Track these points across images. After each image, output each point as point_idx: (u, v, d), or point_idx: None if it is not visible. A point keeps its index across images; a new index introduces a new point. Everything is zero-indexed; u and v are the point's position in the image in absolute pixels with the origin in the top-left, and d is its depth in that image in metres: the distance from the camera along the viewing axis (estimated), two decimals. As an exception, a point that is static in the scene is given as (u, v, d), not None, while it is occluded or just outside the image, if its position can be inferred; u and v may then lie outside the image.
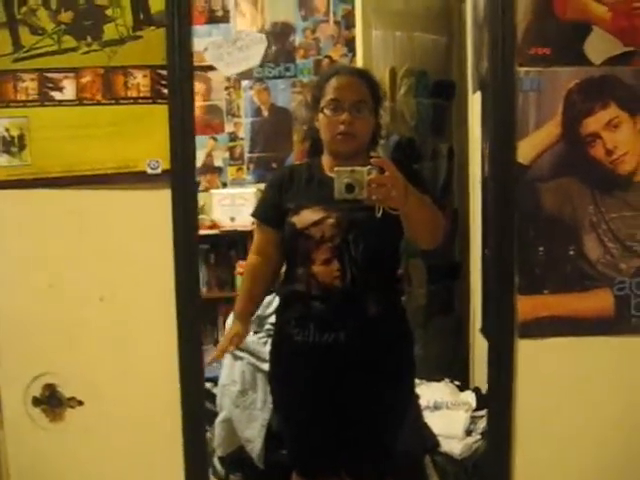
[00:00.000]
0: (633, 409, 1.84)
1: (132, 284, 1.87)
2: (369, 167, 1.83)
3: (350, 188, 1.81)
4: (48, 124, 1.84)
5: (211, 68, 4.33)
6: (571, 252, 1.79)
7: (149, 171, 1.81)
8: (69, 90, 1.82)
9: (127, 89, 1.81)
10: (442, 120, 3.97)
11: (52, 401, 1.90)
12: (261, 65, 4.36)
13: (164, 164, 1.81)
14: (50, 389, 1.90)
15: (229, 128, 4.57)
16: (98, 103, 1.82)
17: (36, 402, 1.90)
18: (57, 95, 1.83)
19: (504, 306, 1.79)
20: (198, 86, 4.40)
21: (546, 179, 1.78)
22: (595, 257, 1.78)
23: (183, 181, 1.79)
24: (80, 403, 1.90)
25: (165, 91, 1.81)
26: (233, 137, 4.57)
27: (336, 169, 1.85)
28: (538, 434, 1.87)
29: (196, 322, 1.88)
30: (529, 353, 1.82)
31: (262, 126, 4.54)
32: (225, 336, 2.44)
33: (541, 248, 1.79)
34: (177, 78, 1.79)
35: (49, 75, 1.82)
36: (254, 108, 4.53)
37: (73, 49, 1.82)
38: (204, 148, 4.49)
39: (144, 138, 1.81)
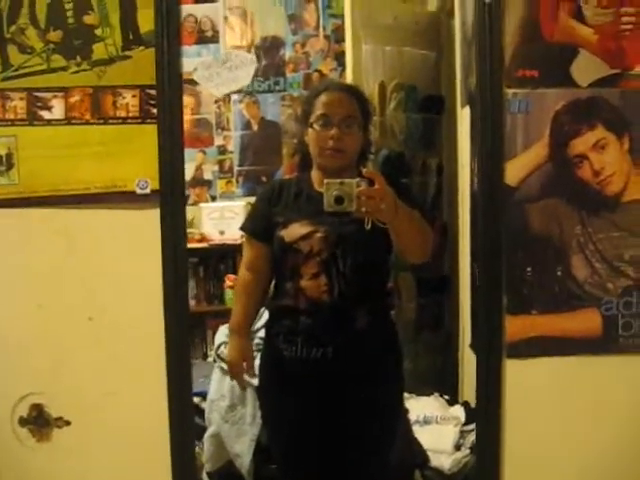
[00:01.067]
0: (620, 427, 1.85)
1: (121, 303, 1.86)
2: (358, 179, 1.83)
3: (339, 200, 1.81)
4: (36, 143, 1.83)
5: (200, 82, 4.35)
6: (559, 272, 1.79)
7: (138, 191, 1.81)
8: (58, 109, 1.82)
9: (116, 109, 1.81)
10: (431, 134, 3.98)
11: (39, 421, 1.89)
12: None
13: (153, 184, 1.81)
14: (37, 409, 1.88)
15: (218, 141, 4.57)
16: (87, 123, 1.82)
17: (23, 422, 1.89)
18: (46, 114, 1.82)
19: (492, 326, 1.79)
20: (188, 100, 4.40)
21: (534, 200, 1.79)
22: (583, 277, 1.79)
23: (172, 201, 1.79)
24: (67, 423, 1.89)
25: (154, 111, 1.81)
26: (222, 150, 4.58)
27: (326, 181, 1.85)
28: (526, 452, 1.87)
29: (185, 340, 1.87)
30: (517, 373, 1.82)
31: (251, 139, 4.54)
32: (233, 362, 2.42)
33: (529, 268, 1.79)
34: (166, 98, 1.79)
35: (38, 94, 1.82)
36: (244, 121, 4.53)
37: (62, 68, 1.82)
38: (193, 161, 4.49)
39: (133, 158, 1.81)
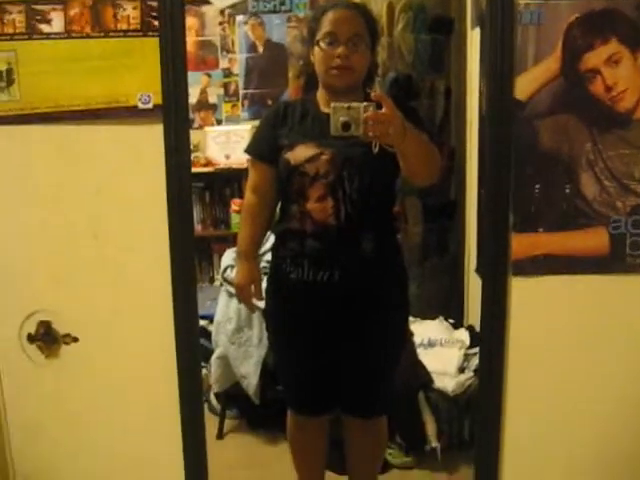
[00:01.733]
0: (627, 347, 1.85)
1: (125, 221, 1.85)
2: (366, 103, 1.80)
3: (346, 125, 1.79)
4: (37, 58, 1.79)
5: (205, 2, 4.25)
6: (567, 190, 1.77)
7: (140, 106, 1.78)
8: (57, 23, 1.77)
9: (117, 21, 1.76)
10: (440, 56, 3.91)
11: (47, 338, 1.90)
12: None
13: (155, 99, 1.77)
14: (44, 326, 1.90)
15: (223, 64, 4.50)
16: (87, 36, 1.77)
17: (31, 339, 1.90)
18: (45, 28, 1.77)
19: (498, 244, 1.78)
20: (191, 21, 4.31)
21: (544, 116, 1.75)
22: (591, 195, 1.77)
23: (175, 115, 1.76)
24: (75, 340, 1.90)
25: (156, 23, 1.76)
26: (227, 73, 4.50)
27: (332, 105, 1.82)
28: (530, 372, 1.88)
29: (190, 258, 1.87)
30: (523, 291, 1.82)
31: (257, 62, 4.46)
32: (241, 286, 2.43)
33: (537, 186, 1.77)
34: (168, 9, 1.73)
35: (36, 7, 1.76)
36: (249, 44, 4.45)
37: (61, -21, 1.77)
38: (198, 84, 4.43)
39: (135, 72, 1.77)
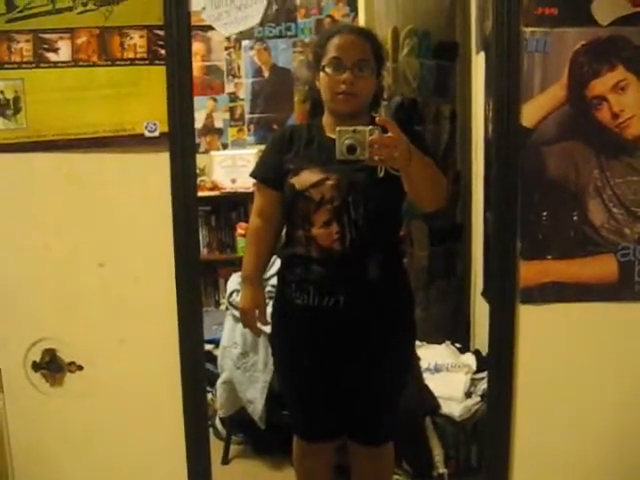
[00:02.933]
0: (635, 374, 1.83)
1: (131, 249, 1.85)
2: (371, 127, 1.79)
3: (352, 148, 1.78)
4: (44, 86, 1.80)
5: (211, 28, 4.24)
6: (575, 217, 1.76)
7: (147, 134, 1.78)
8: (64, 51, 1.78)
9: (123, 50, 1.77)
10: (445, 81, 3.92)
11: (52, 366, 1.90)
12: (262, 24, 4.31)
13: (162, 127, 1.78)
14: (50, 354, 1.89)
15: (229, 89, 4.52)
16: (94, 64, 1.78)
17: (36, 367, 1.90)
18: (52, 56, 1.79)
19: (506, 271, 1.77)
20: (198, 46, 4.34)
21: (551, 143, 1.75)
22: (599, 222, 1.76)
23: (181, 144, 1.76)
24: (80, 368, 1.90)
25: (162, 52, 1.77)
26: (233, 98, 4.52)
27: (338, 128, 1.82)
28: (538, 400, 1.87)
29: (196, 285, 1.86)
30: (531, 318, 1.80)
31: (263, 86, 4.48)
32: (246, 310, 2.42)
33: (545, 213, 1.76)
34: (174, 38, 1.75)
35: (44, 36, 1.78)
36: (255, 68, 4.47)
37: (68, 9, 1.77)
38: (204, 109, 4.45)
39: (141, 100, 1.78)
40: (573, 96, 1.74)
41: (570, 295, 1.79)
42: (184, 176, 1.76)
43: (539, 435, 1.89)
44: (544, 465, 1.90)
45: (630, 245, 1.76)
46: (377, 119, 1.89)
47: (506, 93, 1.72)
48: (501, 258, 1.77)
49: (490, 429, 1.89)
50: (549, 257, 1.77)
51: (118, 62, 1.78)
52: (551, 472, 1.90)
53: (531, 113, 1.74)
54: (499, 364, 1.83)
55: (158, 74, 1.77)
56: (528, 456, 1.89)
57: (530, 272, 1.78)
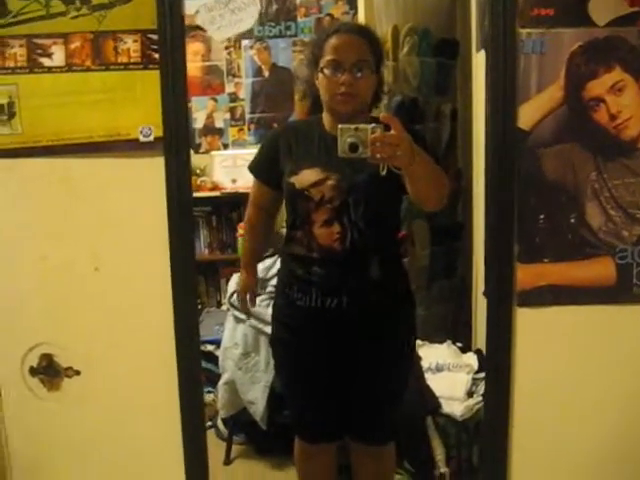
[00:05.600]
0: (632, 377, 1.83)
1: (127, 253, 1.85)
2: (374, 125, 1.77)
3: (354, 147, 1.75)
4: (38, 91, 1.79)
5: (211, 27, 4.26)
6: (572, 220, 1.75)
7: (141, 139, 1.77)
8: (58, 56, 1.78)
9: (117, 54, 1.77)
10: (446, 79, 3.90)
11: (49, 371, 1.90)
12: (261, 24, 4.30)
13: (156, 131, 1.77)
14: (47, 359, 1.89)
15: (229, 89, 4.50)
16: (88, 69, 1.78)
17: (33, 372, 1.90)
18: (46, 61, 1.78)
19: (503, 274, 1.76)
20: (198, 46, 4.33)
21: (548, 145, 1.73)
22: (597, 225, 1.74)
23: (176, 148, 1.75)
24: (77, 373, 1.90)
25: (156, 56, 1.76)
26: (234, 98, 4.51)
27: (340, 126, 1.78)
28: (536, 401, 1.86)
29: (192, 289, 1.86)
30: (528, 322, 1.80)
31: (263, 86, 4.47)
32: (239, 292, 2.51)
33: (542, 216, 1.75)
34: (168, 42, 1.74)
35: (37, 41, 1.77)
36: (255, 68, 4.45)
37: (61, 13, 1.77)
38: (204, 109, 4.44)
39: (136, 105, 1.77)
40: (570, 97, 1.72)
41: (567, 298, 1.77)
42: (179, 180, 1.76)
43: (536, 436, 1.88)
44: (542, 465, 1.90)
45: (628, 247, 1.75)
46: (381, 116, 1.87)
47: (502, 95, 1.71)
48: (498, 261, 1.76)
49: (488, 430, 1.89)
50: (546, 260, 1.76)
51: (112, 67, 1.78)
52: (549, 472, 1.89)
53: (528, 115, 1.73)
54: (497, 367, 1.83)
55: (152, 78, 1.77)
56: (526, 457, 1.89)
57: (527, 275, 1.77)
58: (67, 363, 1.90)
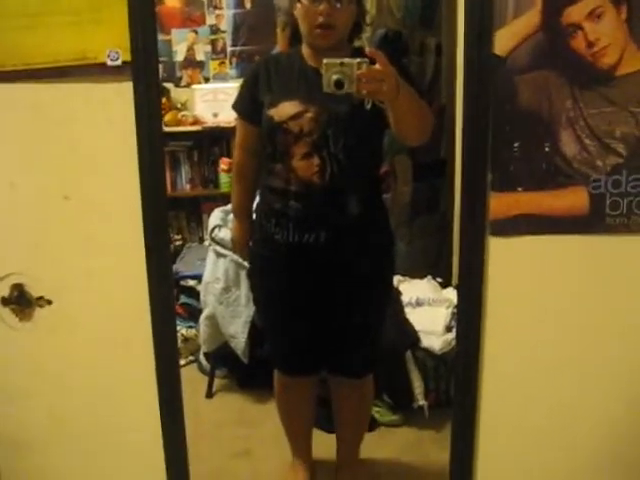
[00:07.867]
0: (605, 307, 1.83)
1: (96, 180, 1.81)
2: (359, 60, 1.74)
3: (339, 83, 1.72)
4: (2, 12, 1.73)
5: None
6: (547, 149, 1.72)
7: (109, 63, 1.72)
8: (24, -24, 1.71)
9: (84, -26, 1.71)
10: (430, 13, 3.83)
11: (21, 300, 1.89)
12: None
13: (124, 55, 1.72)
14: (18, 289, 1.88)
15: (210, 20, 4.42)
16: (55, -11, 1.72)
17: (4, 302, 1.89)
18: (11, -19, 1.72)
19: (476, 203, 1.74)
20: (178, -24, 4.24)
21: (523, 72, 1.69)
22: (571, 154, 1.72)
23: (145, 72, 1.71)
24: (49, 302, 1.89)
25: (124, -24, 1.70)
26: (215, 30, 4.43)
27: (325, 61, 1.75)
28: (508, 331, 1.86)
29: (163, 219, 1.84)
30: (501, 251, 1.79)
31: (245, 18, 4.39)
32: (236, 242, 2.46)
33: (516, 144, 1.72)
34: (136, -38, 1.68)
35: (2, -41, 1.71)
36: (236, -1, 4.37)
37: None
38: (185, 42, 4.36)
39: (103, 28, 1.71)
40: (547, 23, 1.68)
41: (541, 227, 1.76)
42: (148, 105, 1.72)
43: (509, 364, 1.89)
44: (514, 394, 1.91)
45: (602, 177, 1.73)
46: (367, 50, 1.84)
47: (479, 20, 1.66)
48: (471, 189, 1.74)
49: (460, 359, 1.90)
50: (520, 189, 1.74)
51: (79, -13, 1.71)
52: (521, 399, 1.91)
53: (504, 40, 1.68)
54: (469, 296, 1.83)
55: (120, 0, 1.71)
56: (497, 389, 1.90)
57: (501, 204, 1.75)
58: (39, 293, 1.89)
